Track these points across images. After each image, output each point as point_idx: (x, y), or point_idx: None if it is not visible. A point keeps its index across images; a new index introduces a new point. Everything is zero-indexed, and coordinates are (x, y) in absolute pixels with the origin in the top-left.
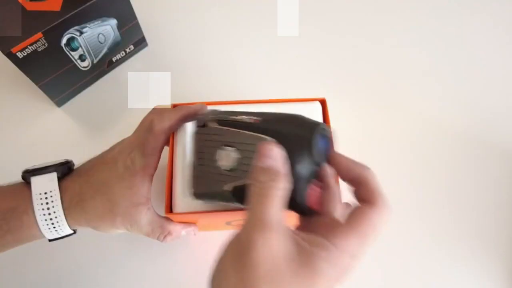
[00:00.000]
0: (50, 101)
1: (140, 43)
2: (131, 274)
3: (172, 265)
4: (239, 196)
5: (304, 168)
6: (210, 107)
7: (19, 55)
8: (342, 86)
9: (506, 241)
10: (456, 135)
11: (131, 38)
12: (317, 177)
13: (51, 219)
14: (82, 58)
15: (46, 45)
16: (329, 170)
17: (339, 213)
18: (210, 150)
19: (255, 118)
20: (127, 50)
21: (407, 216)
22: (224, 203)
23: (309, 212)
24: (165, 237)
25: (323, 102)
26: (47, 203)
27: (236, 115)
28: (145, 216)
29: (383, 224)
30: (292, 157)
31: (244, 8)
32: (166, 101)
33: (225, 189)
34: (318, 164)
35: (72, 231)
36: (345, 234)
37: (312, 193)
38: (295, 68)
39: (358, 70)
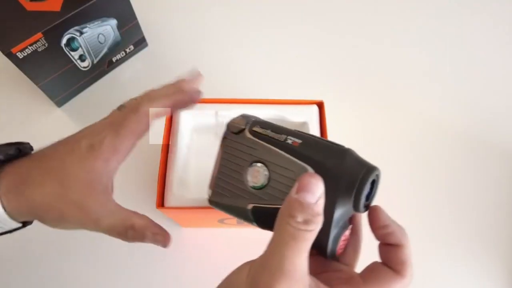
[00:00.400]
0: (50, 101)
1: (140, 43)
2: (124, 274)
3: (166, 263)
4: (258, 217)
5: (345, 213)
6: (210, 106)
7: (19, 55)
8: (342, 86)
9: (506, 241)
10: (456, 135)
11: (131, 38)
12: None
13: None
14: (82, 58)
15: (46, 45)
16: (359, 218)
17: (357, 263)
18: (238, 161)
19: (295, 139)
20: (127, 50)
21: (407, 216)
22: (239, 219)
23: (334, 258)
24: (127, 232)
25: (320, 105)
26: None
27: (275, 131)
28: (103, 208)
29: None
30: (333, 197)
31: (244, 8)
32: None
33: (246, 207)
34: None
35: (17, 223)
36: None
37: (343, 240)
38: (295, 68)
39: (358, 70)
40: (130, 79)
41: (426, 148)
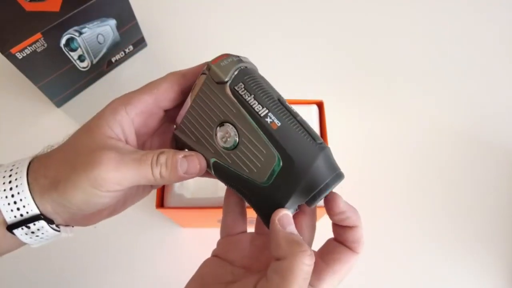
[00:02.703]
0: (50, 102)
1: (140, 43)
2: (124, 273)
3: (165, 263)
4: (217, 170)
5: (297, 202)
6: None
7: (19, 55)
8: (342, 86)
9: (506, 241)
10: (457, 135)
11: (130, 39)
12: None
13: (10, 181)
14: (81, 58)
15: (46, 45)
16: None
17: (312, 242)
18: (212, 114)
19: (275, 120)
20: (127, 50)
21: (407, 216)
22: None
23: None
24: (158, 158)
25: (320, 105)
26: (10, 171)
27: (258, 99)
28: (121, 149)
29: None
30: (291, 190)
31: (243, 8)
32: None
33: (209, 159)
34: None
35: (36, 208)
36: (330, 278)
37: None
38: (295, 68)
39: (358, 70)
40: (129, 79)
41: (426, 148)
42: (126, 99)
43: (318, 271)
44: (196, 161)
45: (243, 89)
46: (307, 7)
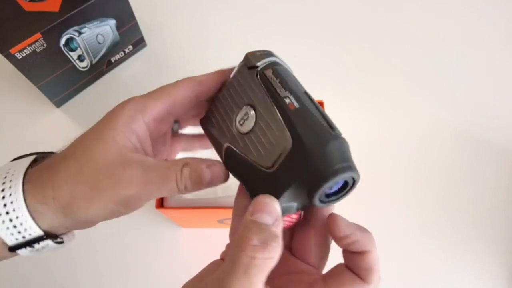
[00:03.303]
0: (49, 102)
1: (139, 43)
2: (124, 274)
3: (165, 264)
4: (228, 158)
5: (300, 196)
6: None
7: (18, 55)
8: (342, 86)
9: (506, 241)
10: (457, 135)
11: (130, 38)
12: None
13: (5, 205)
14: (81, 58)
15: (45, 45)
16: (325, 213)
17: (324, 266)
18: (237, 98)
19: (293, 102)
20: (126, 50)
21: (407, 216)
22: (217, 153)
23: None
24: (182, 169)
25: (320, 104)
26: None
27: (283, 83)
28: (142, 163)
29: None
30: (294, 175)
31: (243, 7)
32: None
33: (223, 144)
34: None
35: (40, 230)
36: None
37: (287, 221)
38: (295, 68)
39: (358, 70)
40: (129, 79)
41: (426, 148)
42: (141, 106)
43: None
44: (219, 170)
45: (271, 73)
46: (307, 7)
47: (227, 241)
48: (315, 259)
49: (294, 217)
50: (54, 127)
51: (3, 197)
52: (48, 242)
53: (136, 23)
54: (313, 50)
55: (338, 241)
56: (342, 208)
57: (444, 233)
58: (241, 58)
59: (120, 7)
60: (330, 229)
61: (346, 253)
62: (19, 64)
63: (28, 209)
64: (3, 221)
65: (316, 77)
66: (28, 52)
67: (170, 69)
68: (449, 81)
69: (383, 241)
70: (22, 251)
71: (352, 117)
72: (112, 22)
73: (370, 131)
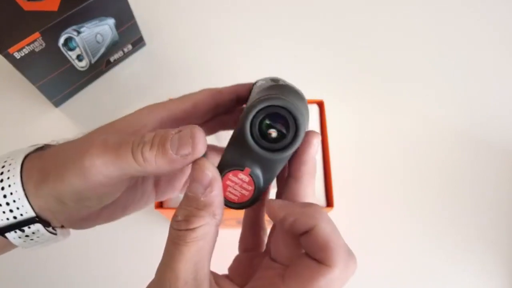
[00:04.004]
0: (48, 102)
1: (138, 42)
2: (121, 275)
3: None
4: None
5: (249, 147)
6: None
7: (17, 55)
8: (342, 85)
9: (506, 241)
10: (457, 135)
11: (129, 38)
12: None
13: (1, 180)
14: (79, 58)
15: (44, 45)
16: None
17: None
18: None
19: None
20: (125, 50)
21: (407, 216)
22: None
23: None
24: (142, 138)
25: (320, 104)
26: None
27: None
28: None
29: (344, 283)
30: (244, 118)
31: (243, 7)
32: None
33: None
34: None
35: (32, 211)
36: None
37: (232, 181)
38: (295, 67)
39: (359, 70)
40: (128, 78)
41: (426, 148)
42: (160, 106)
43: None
44: (188, 135)
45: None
46: (307, 7)
47: (227, 242)
48: (283, 256)
49: (241, 177)
50: (53, 126)
51: (2, 173)
52: (39, 227)
53: (135, 23)
54: (313, 50)
55: (283, 226)
56: (342, 207)
57: (444, 233)
58: (241, 57)
59: (119, 6)
60: (268, 216)
61: (302, 239)
62: (18, 64)
63: (23, 188)
64: None
65: (316, 77)
66: (27, 52)
67: (169, 69)
68: (449, 81)
69: (383, 241)
70: (11, 236)
71: (352, 117)
72: (111, 21)
73: (370, 131)
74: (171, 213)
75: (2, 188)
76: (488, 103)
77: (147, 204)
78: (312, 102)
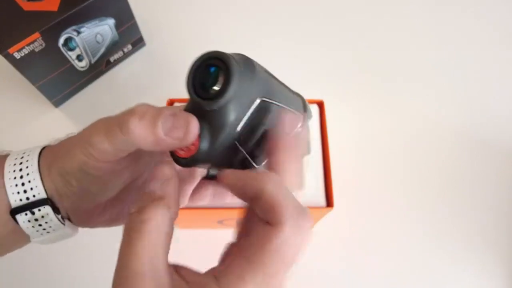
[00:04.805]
0: (48, 102)
1: (138, 42)
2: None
3: None
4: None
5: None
6: None
7: (17, 55)
8: (342, 85)
9: (506, 241)
10: (457, 135)
11: (129, 38)
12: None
13: (21, 163)
14: (79, 58)
15: (44, 45)
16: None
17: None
18: None
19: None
20: (125, 50)
21: (407, 216)
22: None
23: (176, 159)
24: (134, 109)
25: (320, 104)
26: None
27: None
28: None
29: (296, 247)
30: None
31: (243, 7)
32: (164, 102)
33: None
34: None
35: (44, 192)
36: (237, 275)
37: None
38: (295, 67)
39: (359, 70)
40: (128, 79)
41: (426, 148)
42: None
43: (230, 261)
44: (183, 121)
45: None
46: (308, 7)
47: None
48: (242, 231)
49: (196, 144)
50: (53, 126)
51: (22, 157)
52: (48, 210)
53: (135, 23)
54: (313, 50)
55: (234, 193)
56: (342, 207)
57: (444, 233)
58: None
59: (119, 6)
60: (222, 185)
61: (254, 206)
62: (18, 64)
63: (38, 169)
64: (15, 177)
65: (316, 77)
66: (27, 52)
67: (169, 69)
68: (449, 81)
69: (383, 241)
70: (22, 219)
71: (352, 117)
72: (111, 21)
73: (370, 131)
74: None
75: (20, 170)
76: (488, 103)
77: None
78: (312, 102)
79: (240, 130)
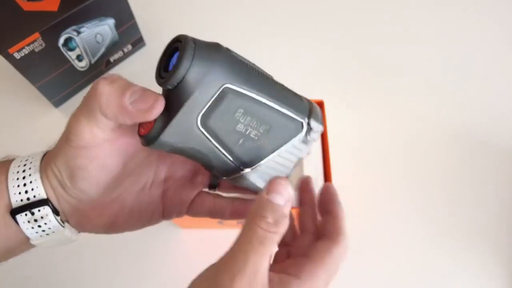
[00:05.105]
0: (48, 102)
1: (138, 43)
2: (122, 275)
3: (164, 265)
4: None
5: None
6: None
7: (17, 55)
8: (342, 86)
9: (506, 241)
10: (457, 135)
11: (129, 38)
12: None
13: (24, 165)
14: (79, 58)
15: (44, 45)
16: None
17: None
18: None
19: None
20: (125, 50)
21: (407, 216)
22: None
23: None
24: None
25: (320, 105)
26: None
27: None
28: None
29: (343, 260)
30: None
31: (243, 8)
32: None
33: None
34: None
35: (44, 192)
36: (313, 271)
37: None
38: (295, 67)
39: (359, 70)
40: (127, 79)
41: (426, 148)
42: None
43: (307, 269)
44: (151, 99)
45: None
46: (308, 7)
47: (228, 242)
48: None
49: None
50: (53, 127)
51: (27, 160)
52: (48, 211)
53: (135, 23)
54: (313, 50)
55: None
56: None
57: (444, 233)
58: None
59: (119, 6)
60: (324, 191)
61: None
62: (18, 64)
63: (40, 170)
64: (17, 178)
65: (316, 77)
66: (27, 52)
67: None
68: (449, 81)
69: (383, 241)
70: (22, 219)
71: (352, 117)
72: (111, 21)
73: (370, 131)
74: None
75: (23, 171)
76: (488, 103)
77: (153, 219)
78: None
79: (203, 118)
